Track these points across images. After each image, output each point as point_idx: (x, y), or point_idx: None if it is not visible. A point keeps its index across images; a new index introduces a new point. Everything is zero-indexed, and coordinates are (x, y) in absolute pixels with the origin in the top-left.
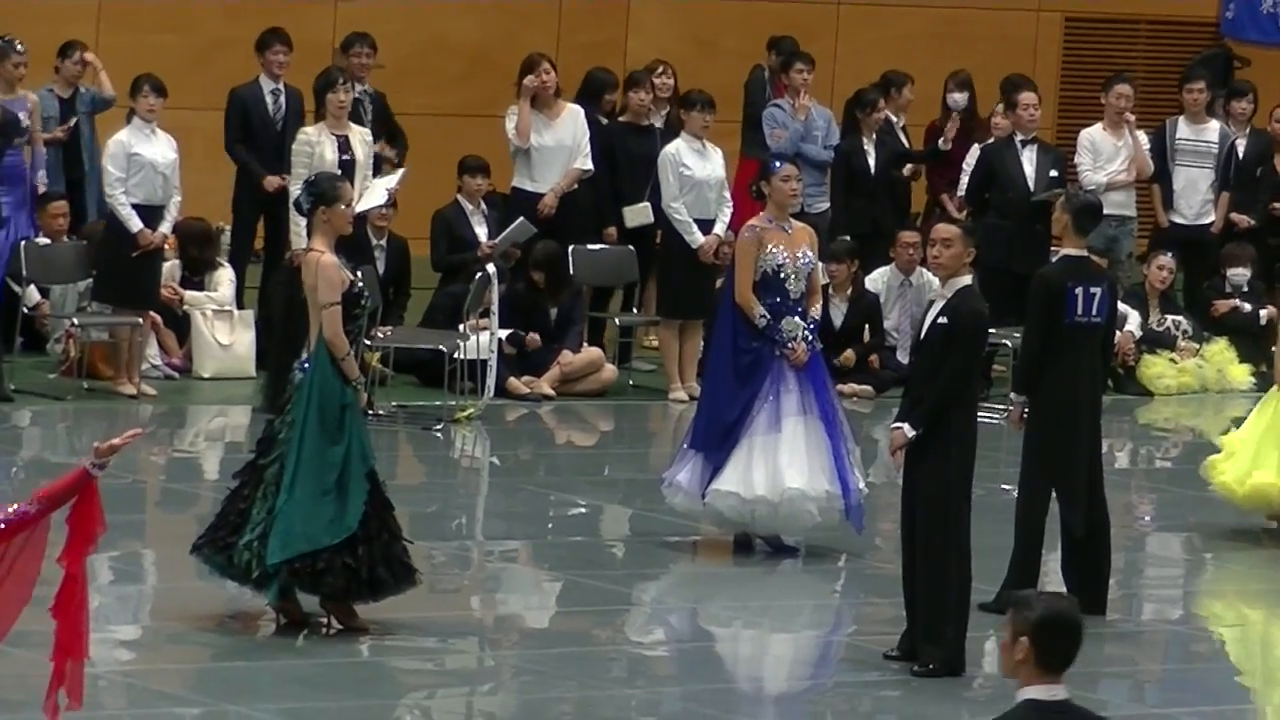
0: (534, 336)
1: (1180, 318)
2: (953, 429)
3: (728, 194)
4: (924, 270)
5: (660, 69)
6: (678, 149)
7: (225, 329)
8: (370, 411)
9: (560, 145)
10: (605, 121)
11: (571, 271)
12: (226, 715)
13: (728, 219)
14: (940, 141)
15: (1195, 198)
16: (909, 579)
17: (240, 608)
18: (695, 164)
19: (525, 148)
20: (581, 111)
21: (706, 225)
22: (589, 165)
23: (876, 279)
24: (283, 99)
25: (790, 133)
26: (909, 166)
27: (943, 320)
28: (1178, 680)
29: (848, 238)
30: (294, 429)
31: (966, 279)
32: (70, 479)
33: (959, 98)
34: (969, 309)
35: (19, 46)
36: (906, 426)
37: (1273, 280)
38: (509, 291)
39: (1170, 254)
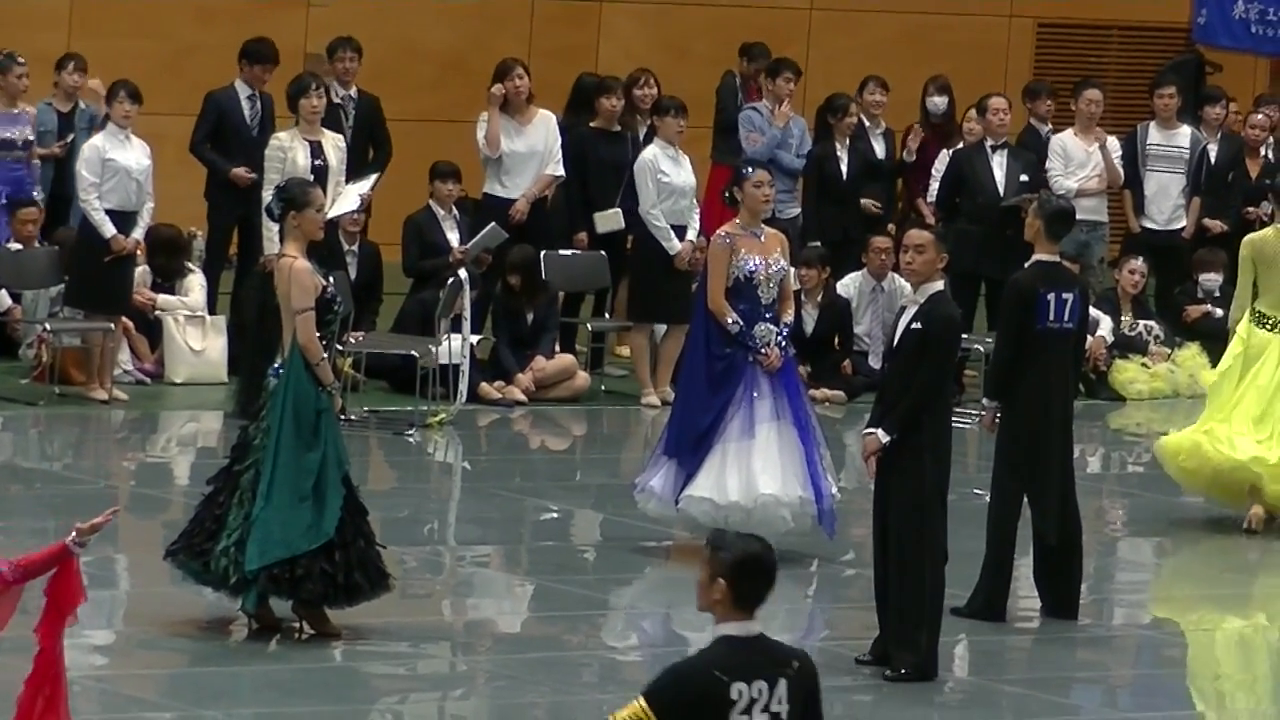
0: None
1: (1152, 323)
2: (926, 434)
3: (696, 200)
4: (895, 275)
5: (642, 79)
6: (654, 156)
7: (197, 334)
8: (343, 416)
9: (532, 151)
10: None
11: (544, 277)
12: None
13: (698, 225)
14: (904, 153)
15: (1167, 203)
16: (881, 584)
17: (213, 613)
18: (671, 170)
19: (495, 156)
20: (553, 117)
21: (680, 232)
22: (560, 171)
23: (848, 284)
24: (259, 104)
25: (767, 138)
26: (869, 202)
27: (916, 326)
28: (1149, 685)
29: (818, 244)
30: (269, 435)
31: (939, 284)
32: (50, 552)
33: (939, 101)
34: (942, 314)
35: (20, 59)
36: (880, 432)
37: None
38: (489, 294)
39: (1141, 259)
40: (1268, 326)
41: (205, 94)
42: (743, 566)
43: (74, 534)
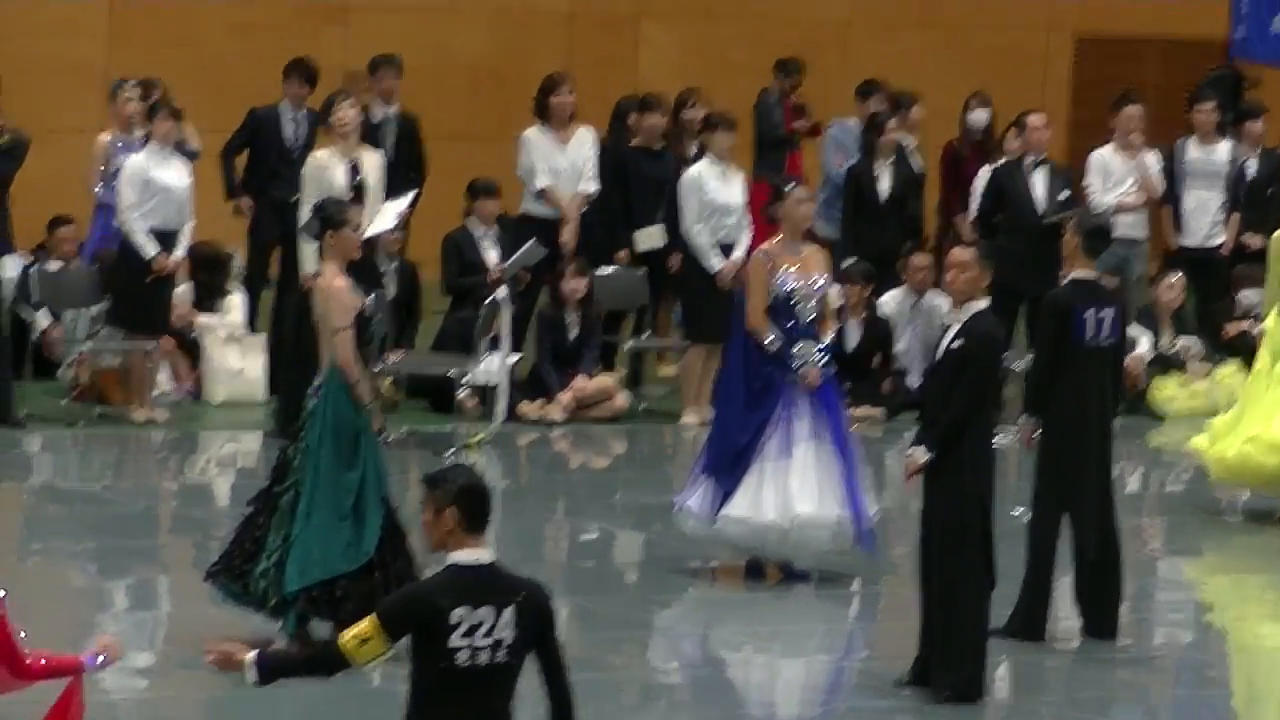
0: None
1: (1191, 339)
2: (966, 452)
3: (748, 219)
4: (935, 293)
5: (690, 100)
6: (700, 172)
7: (236, 354)
8: (381, 436)
9: (573, 168)
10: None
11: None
12: None
13: (747, 243)
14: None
15: (1205, 219)
16: (926, 604)
17: (254, 635)
18: (717, 188)
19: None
20: (593, 132)
21: (727, 249)
22: (592, 188)
23: (887, 302)
24: (303, 127)
25: (851, 162)
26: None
27: (958, 343)
28: (1190, 706)
29: (856, 259)
30: (309, 455)
31: (982, 303)
32: (68, 662)
33: (980, 115)
34: (984, 332)
35: (130, 83)
36: (921, 449)
37: None
38: (527, 312)
39: (1179, 274)
40: None
41: (249, 108)
42: (467, 492)
43: (98, 656)
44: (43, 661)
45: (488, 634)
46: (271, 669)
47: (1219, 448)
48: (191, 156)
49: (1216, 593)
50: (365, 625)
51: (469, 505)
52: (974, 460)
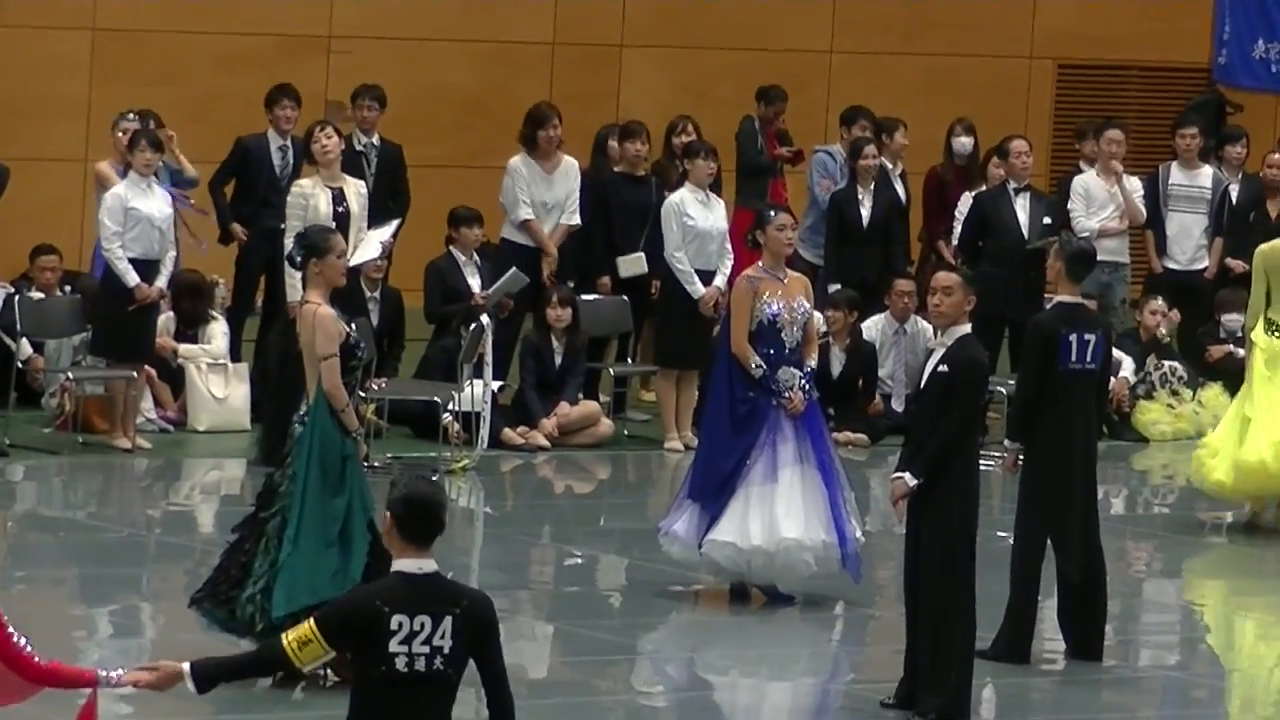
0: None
1: (1175, 363)
2: (955, 477)
3: (729, 246)
4: (918, 318)
5: (680, 126)
6: (681, 199)
7: (220, 382)
8: (366, 463)
9: (556, 201)
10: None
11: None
12: None
13: (729, 270)
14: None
15: (1189, 243)
16: (912, 628)
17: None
18: (699, 214)
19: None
20: (576, 164)
21: (707, 276)
22: (576, 220)
23: (870, 327)
24: (290, 155)
25: (837, 188)
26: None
27: (943, 369)
28: None
29: (839, 286)
30: (295, 481)
31: (966, 327)
32: (79, 673)
33: (965, 142)
34: (969, 357)
35: (130, 115)
36: (908, 476)
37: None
38: (511, 340)
39: (1162, 299)
40: (1278, 334)
41: (235, 138)
42: (406, 503)
43: (115, 674)
44: (52, 667)
45: (425, 642)
46: (208, 676)
47: (1227, 459)
48: (191, 184)
49: (1201, 614)
50: (305, 628)
51: (404, 514)
52: (961, 485)
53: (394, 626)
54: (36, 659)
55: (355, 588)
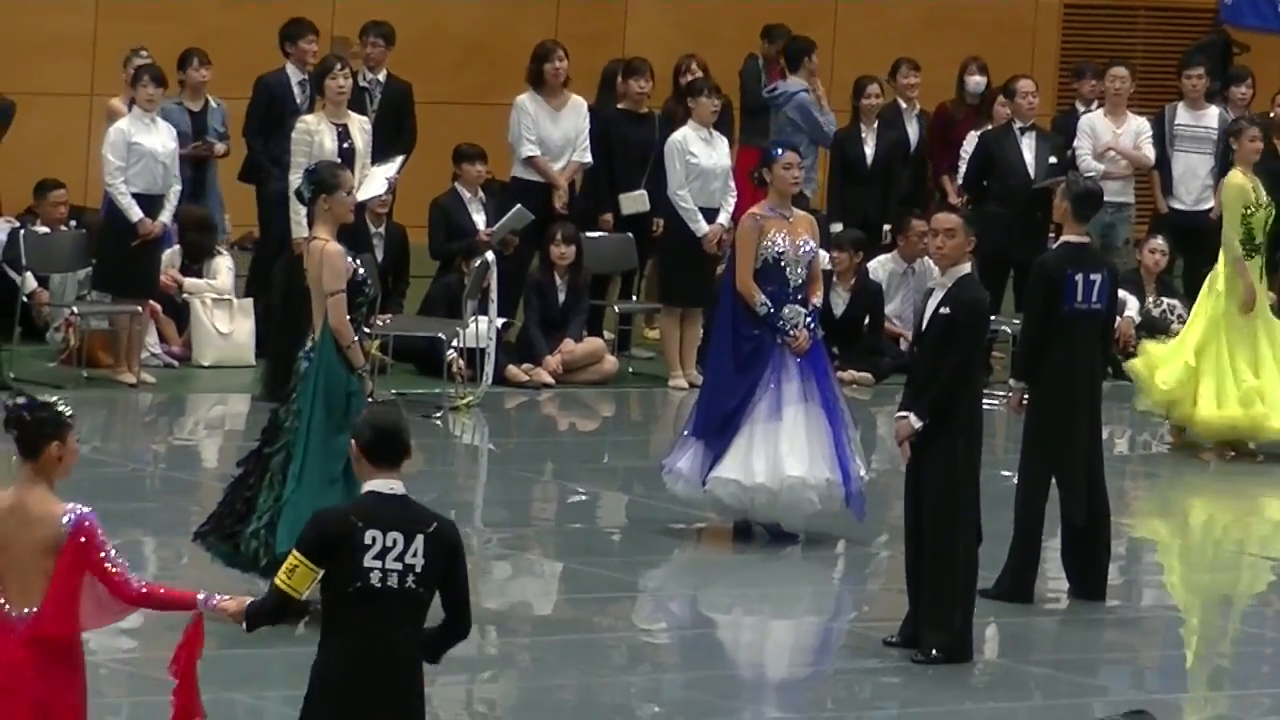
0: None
1: (1175, 301)
2: (959, 418)
3: (733, 183)
4: (925, 260)
5: (686, 65)
6: (684, 137)
7: (225, 317)
8: (371, 399)
9: (565, 138)
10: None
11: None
12: (229, 704)
13: (732, 208)
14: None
15: (1194, 184)
16: (914, 567)
17: (243, 596)
18: (702, 152)
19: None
20: (584, 103)
21: (710, 214)
22: (588, 158)
23: (877, 267)
24: (309, 90)
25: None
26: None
27: (944, 310)
28: (1178, 666)
29: (840, 226)
30: (300, 417)
31: (966, 267)
32: (178, 596)
33: (979, 80)
34: (970, 298)
35: (143, 52)
36: (912, 416)
37: (1273, 267)
38: (515, 277)
39: (1161, 238)
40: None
41: (256, 79)
42: (371, 429)
43: (216, 599)
44: (149, 590)
45: (398, 558)
46: (253, 617)
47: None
48: (221, 137)
49: (1202, 553)
50: (290, 559)
51: (366, 440)
52: (965, 426)
53: (368, 541)
54: (132, 581)
55: (326, 509)
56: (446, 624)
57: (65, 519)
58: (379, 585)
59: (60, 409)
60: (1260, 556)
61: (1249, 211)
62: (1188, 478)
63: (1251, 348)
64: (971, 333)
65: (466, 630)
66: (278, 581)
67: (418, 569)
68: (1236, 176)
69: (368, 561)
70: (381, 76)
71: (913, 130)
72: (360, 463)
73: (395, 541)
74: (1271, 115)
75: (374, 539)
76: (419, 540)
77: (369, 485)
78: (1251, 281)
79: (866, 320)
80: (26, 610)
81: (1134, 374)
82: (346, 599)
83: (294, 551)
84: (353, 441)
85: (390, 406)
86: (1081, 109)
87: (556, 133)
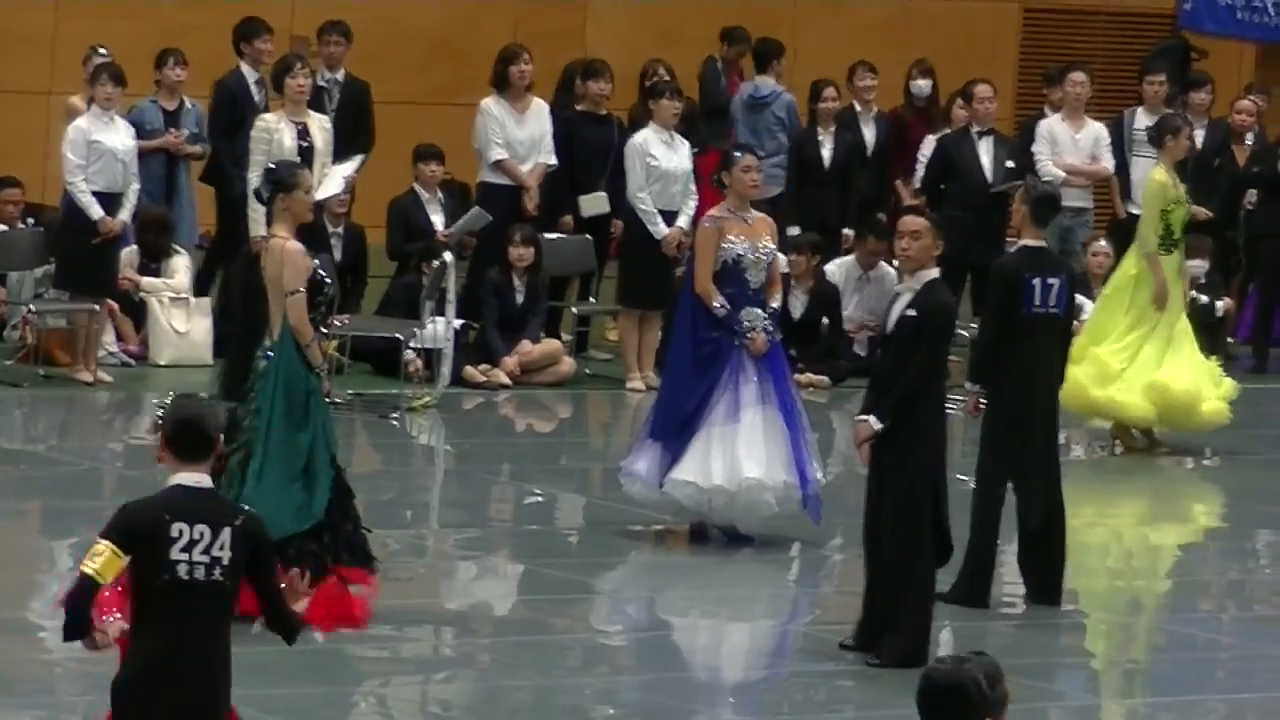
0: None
1: None
2: (921, 421)
3: (693, 186)
4: (883, 264)
5: (652, 70)
6: (645, 139)
7: (182, 316)
8: (328, 399)
9: (531, 140)
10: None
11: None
12: None
13: (692, 211)
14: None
15: None
16: (872, 570)
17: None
18: (663, 155)
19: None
20: (546, 106)
21: (670, 217)
22: (553, 160)
23: (835, 271)
24: (267, 89)
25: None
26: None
27: (911, 313)
28: (1134, 671)
29: (798, 229)
30: (260, 416)
31: (934, 272)
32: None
33: (923, 85)
34: (938, 302)
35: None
36: (873, 419)
37: (1229, 273)
38: (473, 278)
39: (1105, 241)
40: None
41: (215, 81)
42: (176, 423)
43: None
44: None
45: (205, 551)
46: (70, 624)
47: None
48: (197, 138)
49: (1159, 559)
50: (97, 545)
51: (174, 435)
52: (928, 430)
53: (175, 534)
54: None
55: (135, 501)
56: (278, 623)
57: None
58: (186, 578)
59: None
60: (1215, 561)
61: (1170, 208)
62: (1144, 482)
63: (1164, 340)
64: (938, 336)
65: (294, 618)
66: (84, 567)
67: (225, 561)
68: (1160, 173)
69: (175, 554)
70: (340, 76)
71: (869, 133)
72: (167, 456)
73: (202, 534)
74: (1230, 120)
75: (181, 531)
76: (226, 533)
77: (176, 479)
78: (1164, 278)
79: (825, 323)
80: None
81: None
82: (155, 592)
83: (103, 539)
84: (160, 435)
85: (194, 399)
86: (1050, 114)
87: (522, 135)
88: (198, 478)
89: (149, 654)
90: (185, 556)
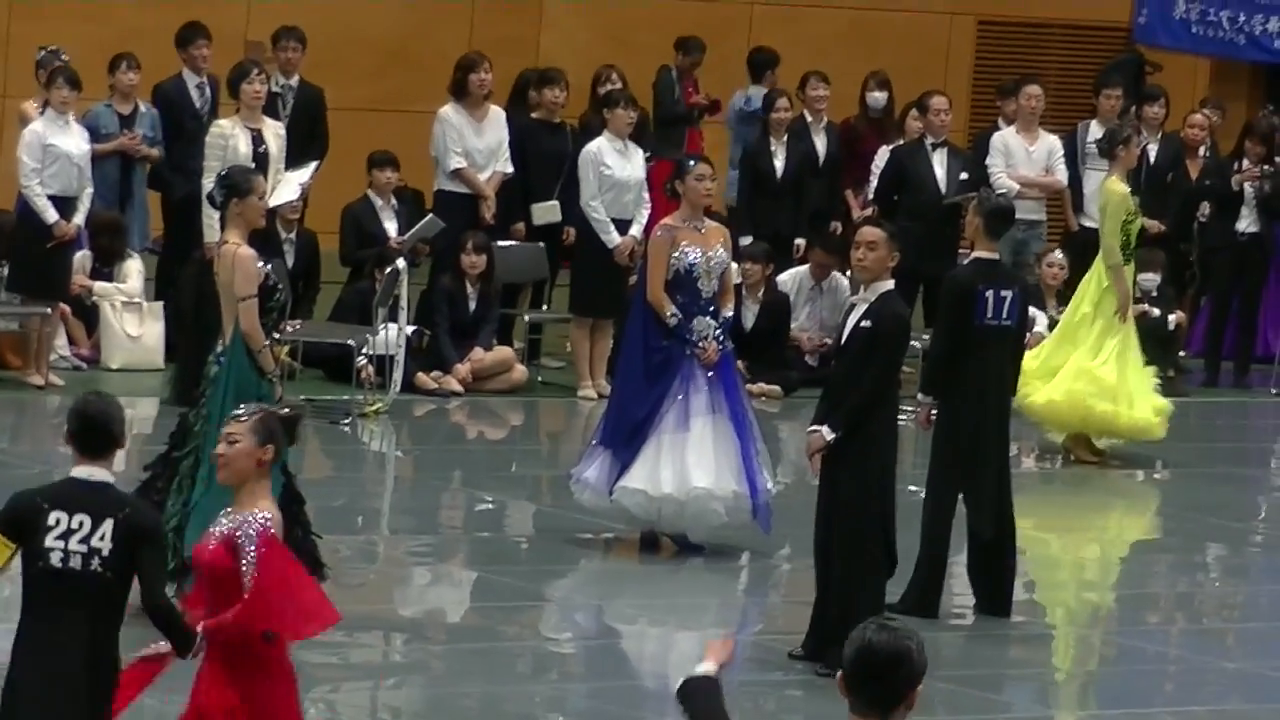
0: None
1: None
2: (874, 432)
3: (646, 195)
4: (836, 275)
5: (605, 75)
6: (599, 148)
7: (134, 321)
8: (280, 404)
9: (489, 149)
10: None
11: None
12: (138, 708)
13: (645, 220)
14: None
15: None
16: (822, 580)
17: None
18: (616, 163)
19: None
20: (503, 114)
21: (623, 225)
22: (510, 168)
23: (786, 280)
24: (208, 92)
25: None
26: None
27: (866, 324)
28: (1082, 683)
29: (749, 239)
30: (210, 421)
31: (889, 283)
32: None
33: (879, 96)
34: (893, 313)
35: (60, 53)
36: (825, 430)
37: (1182, 286)
38: (427, 286)
39: (1059, 252)
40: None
41: (153, 86)
42: (77, 417)
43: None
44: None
45: (83, 540)
46: None
47: (1048, 392)
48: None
49: (1109, 571)
50: None
51: (75, 428)
52: (881, 440)
53: (51, 522)
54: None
55: (24, 489)
56: (151, 611)
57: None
58: (60, 565)
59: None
60: (1164, 573)
61: (1129, 219)
62: (1092, 494)
63: (1124, 348)
64: (892, 347)
65: (168, 608)
66: None
67: (104, 552)
68: (1119, 185)
69: (49, 541)
70: (295, 82)
71: (820, 143)
72: (71, 447)
73: (81, 523)
74: (1183, 134)
75: (58, 520)
76: (108, 524)
77: (72, 472)
78: (1129, 289)
79: (774, 333)
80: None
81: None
82: (31, 579)
83: None
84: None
85: (101, 397)
86: (1003, 127)
87: (480, 144)
88: (93, 471)
89: (24, 637)
90: (60, 544)
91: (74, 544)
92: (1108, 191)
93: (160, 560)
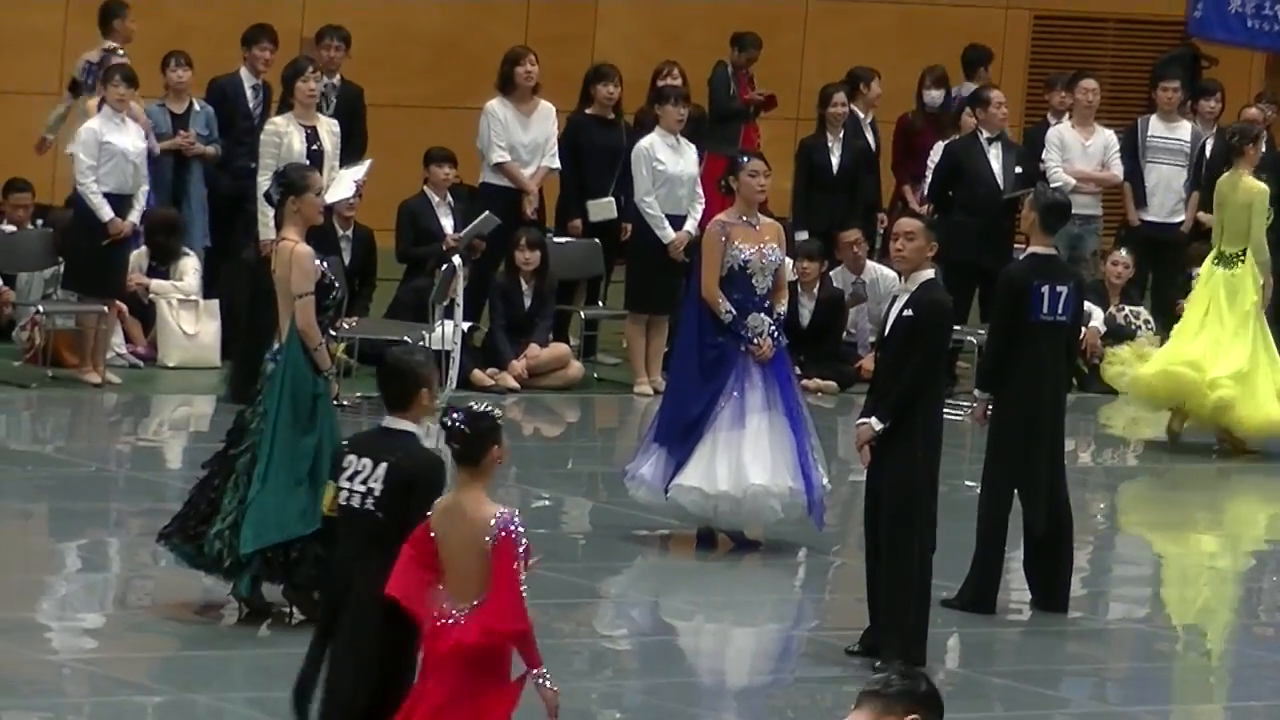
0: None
1: (1140, 308)
2: (918, 422)
3: (700, 191)
4: (874, 267)
5: (666, 70)
6: (651, 144)
7: (190, 318)
8: (336, 402)
9: (535, 144)
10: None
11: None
12: (190, 705)
13: (699, 216)
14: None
15: (1168, 196)
16: (873, 573)
17: (205, 597)
18: (669, 159)
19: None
20: (553, 109)
21: (677, 221)
22: (556, 164)
23: (834, 277)
24: (262, 94)
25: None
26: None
27: (908, 313)
28: (1139, 678)
29: (806, 235)
30: (266, 419)
31: (929, 272)
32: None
33: (936, 95)
34: (933, 301)
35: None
36: (874, 420)
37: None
38: (482, 282)
39: (1124, 251)
40: (1222, 264)
41: (209, 80)
42: (381, 367)
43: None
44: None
45: (363, 481)
46: None
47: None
48: (209, 140)
49: (1166, 566)
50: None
51: (379, 377)
52: (925, 430)
53: (345, 464)
54: (514, 611)
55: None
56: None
57: (493, 522)
58: (345, 504)
59: (494, 413)
60: (1224, 569)
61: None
62: (1150, 490)
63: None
64: (934, 334)
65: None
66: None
67: (375, 493)
68: (1257, 182)
69: (342, 482)
70: (337, 80)
71: (870, 139)
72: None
73: (365, 466)
74: None
75: (350, 463)
76: (382, 467)
77: (384, 422)
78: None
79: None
80: (464, 606)
81: (1117, 379)
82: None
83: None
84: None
85: (411, 350)
86: (1053, 121)
87: (526, 138)
88: (394, 421)
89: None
90: (349, 485)
91: (356, 484)
92: (1248, 188)
93: (420, 514)
